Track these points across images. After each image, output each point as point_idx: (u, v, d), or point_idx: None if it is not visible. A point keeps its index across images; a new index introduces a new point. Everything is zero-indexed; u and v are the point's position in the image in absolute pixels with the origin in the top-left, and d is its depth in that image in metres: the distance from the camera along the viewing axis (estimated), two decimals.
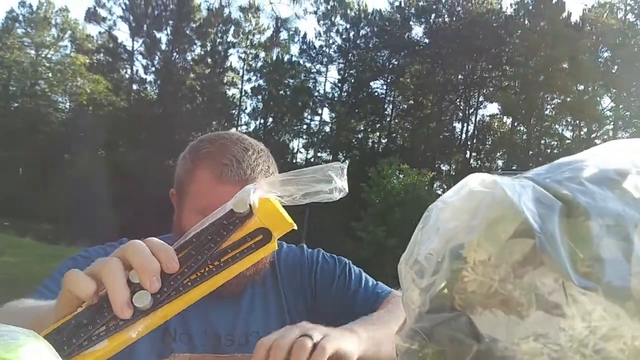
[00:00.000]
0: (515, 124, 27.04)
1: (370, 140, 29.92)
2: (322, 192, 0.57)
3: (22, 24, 31.56)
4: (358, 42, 29.43)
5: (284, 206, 0.58)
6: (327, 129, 29.81)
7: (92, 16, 29.86)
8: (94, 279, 0.52)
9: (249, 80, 30.31)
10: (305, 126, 29.90)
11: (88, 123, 26.27)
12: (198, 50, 30.27)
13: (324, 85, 29.68)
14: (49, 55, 31.73)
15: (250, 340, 1.00)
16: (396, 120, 30.02)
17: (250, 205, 0.55)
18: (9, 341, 0.37)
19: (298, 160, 29.86)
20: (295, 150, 30.30)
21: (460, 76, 28.30)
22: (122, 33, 32.67)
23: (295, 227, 0.58)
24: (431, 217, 0.49)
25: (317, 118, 29.50)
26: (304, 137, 29.96)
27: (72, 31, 32.07)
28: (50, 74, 31.19)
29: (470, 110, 28.54)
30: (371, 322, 0.90)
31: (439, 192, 25.10)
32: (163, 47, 30.20)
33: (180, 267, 0.52)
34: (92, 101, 29.54)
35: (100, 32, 31.11)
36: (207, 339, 1.00)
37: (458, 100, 28.74)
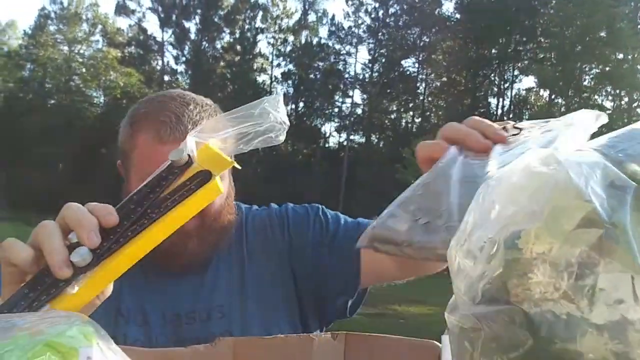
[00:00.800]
0: (553, 96, 26.32)
1: (404, 120, 29.64)
2: (261, 132, 0.55)
3: (54, 21, 32.18)
4: (388, 20, 29.07)
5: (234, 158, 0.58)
6: (359, 110, 29.65)
7: (121, 9, 30.25)
8: (33, 247, 0.51)
9: (279, 65, 30.35)
10: (336, 109, 29.77)
11: (122, 116, 26.64)
12: (227, 37, 30.43)
13: (355, 66, 29.45)
14: (81, 51, 32.34)
15: (213, 315, 0.93)
16: (429, 99, 29.62)
17: (189, 155, 0.55)
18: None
19: (330, 144, 29.83)
20: (327, 134, 30.28)
21: (493, 50, 27.66)
22: (152, 25, 32.98)
23: (237, 166, 0.59)
24: (485, 197, 0.44)
25: (348, 100, 29.33)
26: (336, 120, 29.87)
27: (102, 25, 32.56)
28: (83, 69, 31.78)
29: (506, 85, 27.93)
30: None
31: None
32: (192, 36, 30.46)
33: (120, 222, 0.51)
34: (126, 94, 29.99)
35: (130, 25, 31.59)
36: (165, 319, 0.92)
37: (492, 75, 28.15)
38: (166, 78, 31.10)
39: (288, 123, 0.56)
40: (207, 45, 30.26)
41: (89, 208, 0.51)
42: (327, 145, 29.63)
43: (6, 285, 0.52)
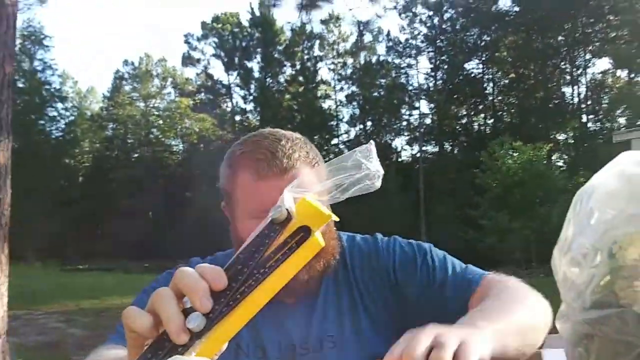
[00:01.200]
0: (632, 75, 24.86)
1: (476, 124, 28.93)
2: (356, 181, 0.56)
3: (129, 81, 34.25)
4: (444, 26, 28.71)
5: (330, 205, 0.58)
6: (428, 120, 29.24)
7: (187, 60, 31.80)
8: (150, 313, 0.53)
9: (342, 89, 30.60)
10: (404, 123, 29.53)
11: (201, 160, 27.77)
12: (289, 70, 31.13)
13: (417, 77, 29.23)
14: (156, 104, 34.16)
15: (325, 345, 0.95)
16: (499, 98, 28.76)
17: (287, 210, 0.56)
18: None
19: (403, 158, 29.57)
20: (399, 149, 30.05)
21: (560, 37, 26.56)
22: (217, 70, 34.36)
23: (335, 218, 0.58)
24: (582, 204, 0.45)
25: (415, 112, 29.03)
26: (406, 133, 29.60)
27: (172, 78, 34.29)
28: (160, 121, 33.49)
29: (578, 71, 26.68)
30: (491, 314, 0.78)
31: (560, 163, 23.70)
32: (256, 74, 31.40)
33: (228, 284, 0.53)
34: (202, 139, 31.32)
35: (197, 74, 33.06)
36: (282, 350, 0.96)
37: (563, 63, 26.98)
38: (237, 118, 32.19)
39: (382, 171, 0.57)
40: (271, 80, 31.11)
41: (199, 271, 0.53)
42: (399, 160, 29.40)
43: (130, 349, 0.55)
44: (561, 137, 26.71)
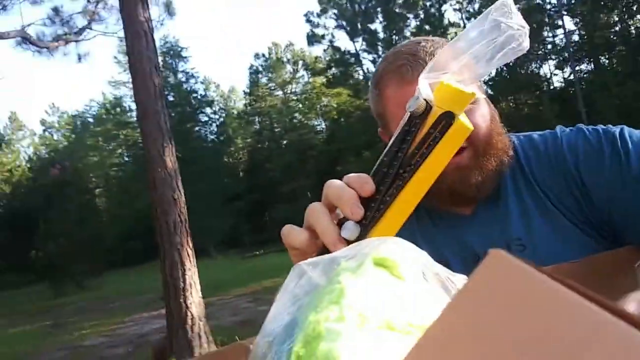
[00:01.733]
0: None
1: (633, 28, 25.68)
2: (500, 46, 0.49)
3: (263, 73, 35.73)
4: None
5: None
6: (576, 37, 26.58)
7: (312, 39, 32.20)
8: (307, 229, 0.54)
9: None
10: (549, 45, 27.17)
11: (345, 133, 28.20)
12: (413, 22, 30.14)
13: None
14: (293, 89, 35.27)
15: (513, 249, 0.87)
16: None
17: (425, 99, 0.51)
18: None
19: (556, 84, 27.33)
20: (549, 76, 27.78)
21: None
22: (343, 41, 34.40)
23: (480, 95, 0.52)
24: None
25: (559, 32, 26.53)
26: (553, 57, 27.24)
27: (302, 60, 35.11)
28: (300, 105, 34.58)
29: None
30: None
31: None
32: (381, 35, 30.86)
33: (376, 188, 0.51)
34: (341, 113, 31.78)
35: (324, 50, 33.36)
36: (466, 262, 0.89)
37: None
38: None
39: (527, 26, 0.50)
40: (397, 37, 30.44)
41: (346, 181, 0.53)
42: (552, 87, 27.20)
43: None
44: None
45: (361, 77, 32.28)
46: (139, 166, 24.63)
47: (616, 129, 0.85)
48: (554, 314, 0.16)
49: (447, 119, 0.51)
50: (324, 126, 35.31)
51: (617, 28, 25.90)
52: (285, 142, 34.35)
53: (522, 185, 0.92)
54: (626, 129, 0.85)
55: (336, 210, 0.54)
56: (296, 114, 34.74)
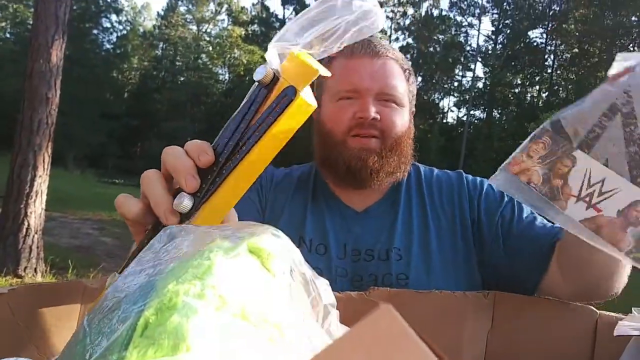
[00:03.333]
0: None
1: (529, 95, 27.97)
2: (351, 24, 0.48)
3: (184, 2, 34.03)
4: None
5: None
6: (480, 84, 28.38)
7: None
8: (143, 199, 0.51)
9: (397, 39, 29.78)
10: (456, 83, 28.75)
11: (245, 91, 27.74)
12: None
13: (477, 39, 28.21)
14: (208, 30, 33.98)
15: (391, 256, 0.93)
16: (558, 72, 27.63)
17: (274, 71, 0.49)
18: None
19: (449, 119, 28.98)
20: (445, 110, 29.41)
21: (634, 17, 25.10)
22: (274, 2, 33.65)
23: (326, 73, 0.48)
24: None
25: (469, 74, 28.18)
26: (455, 94, 28.87)
27: (228, 5, 33.91)
28: (210, 48, 33.42)
29: None
30: None
31: None
32: None
33: (216, 158, 0.48)
34: (249, 71, 31.13)
35: (253, 4, 32.58)
36: (346, 252, 0.94)
37: (631, 44, 25.60)
38: None
39: (379, 7, 0.50)
40: None
41: (186, 149, 0.50)
42: (445, 121, 28.83)
43: (134, 236, 0.53)
44: None
45: None
46: (21, 49, 22.35)
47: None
48: None
49: (290, 94, 0.48)
50: (227, 77, 34.44)
51: (517, 90, 28.04)
52: (182, 79, 33.04)
53: (415, 201, 1.00)
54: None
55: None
56: (203, 55, 33.49)
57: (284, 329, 0.37)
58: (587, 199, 0.49)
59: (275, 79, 0.49)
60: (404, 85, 0.97)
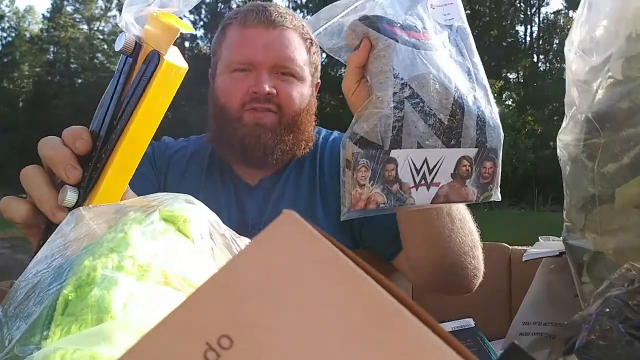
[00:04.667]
0: None
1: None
2: None
3: (70, 1, 32.19)
4: None
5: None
6: None
7: None
8: (27, 200, 0.47)
9: (304, 16, 29.73)
10: None
11: None
12: None
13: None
14: (100, 28, 32.42)
15: None
16: None
17: (135, 37, 0.46)
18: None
19: None
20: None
21: None
22: None
23: (189, 30, 0.46)
24: None
25: None
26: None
27: (118, 0, 32.42)
28: (105, 46, 31.88)
29: (532, 10, 26.81)
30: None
31: (509, 102, 24.13)
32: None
33: (94, 143, 0.46)
34: None
35: None
36: (237, 228, 0.90)
37: (517, 1, 27.02)
38: (187, 44, 30.97)
39: None
40: (222, 6, 29.89)
41: (63, 137, 0.47)
42: None
43: (30, 238, 0.50)
44: (512, 75, 27.08)
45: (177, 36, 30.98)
46: None
47: None
48: (333, 278, 0.17)
49: (154, 59, 0.45)
50: None
51: None
52: (80, 81, 31.41)
53: (306, 174, 0.97)
54: None
55: None
56: (99, 54, 31.96)
57: None
58: (423, 182, 0.52)
59: (138, 46, 0.46)
60: (304, 57, 0.92)
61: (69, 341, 0.28)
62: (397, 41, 0.53)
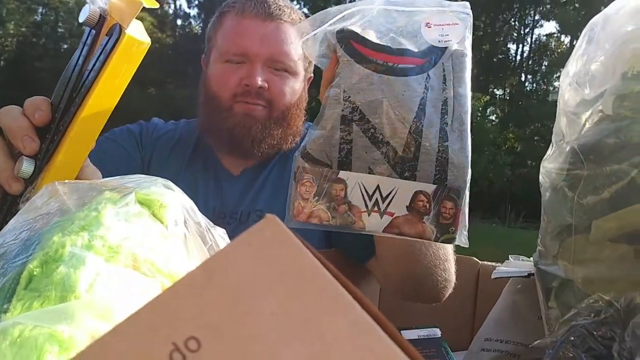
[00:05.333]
0: (574, 42, 25.53)
1: None
2: None
3: None
4: None
5: None
6: None
7: None
8: None
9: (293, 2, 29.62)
10: None
11: None
12: None
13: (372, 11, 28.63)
14: None
15: (251, 218, 0.91)
16: None
17: (100, 9, 0.46)
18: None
19: None
20: None
21: None
22: None
23: (147, 5, 0.45)
24: (597, 28, 0.42)
25: None
26: None
27: None
28: None
29: (526, 30, 27.14)
30: None
31: (492, 117, 24.42)
32: None
33: (52, 115, 0.45)
34: None
35: None
36: (214, 216, 0.91)
37: (513, 19, 27.33)
38: (179, 22, 30.60)
39: None
40: None
41: (24, 107, 0.47)
42: None
43: None
44: (499, 91, 27.38)
45: (170, 12, 30.65)
46: None
47: None
48: (310, 291, 0.17)
49: (115, 32, 0.44)
50: None
51: None
52: (66, 46, 30.83)
53: (290, 168, 0.95)
54: None
55: None
56: None
57: (178, 278, 0.37)
58: (376, 208, 0.50)
59: (102, 18, 0.46)
60: (299, 51, 0.91)
61: (29, 317, 0.28)
62: (356, 62, 0.51)
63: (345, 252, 0.89)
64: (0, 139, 0.47)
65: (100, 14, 0.45)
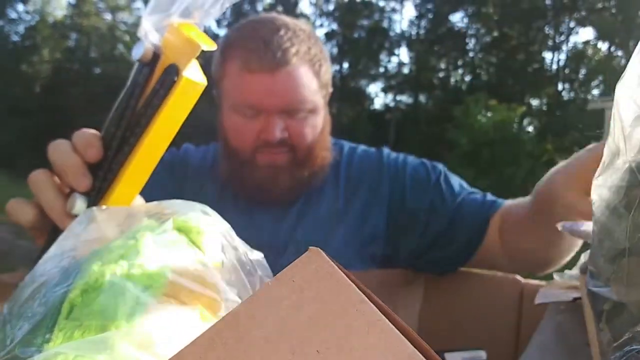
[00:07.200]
0: (612, 49, 24.99)
1: (453, 79, 28.82)
2: None
3: None
4: None
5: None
6: (406, 70, 28.96)
7: None
8: (35, 204, 0.47)
9: (322, 25, 29.82)
10: (382, 69, 29.18)
11: None
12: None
13: (400, 23, 28.79)
14: (124, 19, 32.72)
15: (289, 250, 0.88)
16: (480, 55, 28.58)
17: (154, 47, 0.45)
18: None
19: (376, 105, 29.44)
20: (373, 96, 29.85)
21: (548, 1, 26.36)
22: None
23: (206, 48, 0.43)
24: None
25: (394, 59, 28.69)
26: (382, 80, 29.31)
27: None
28: (127, 37, 32.17)
29: (561, 38, 26.66)
30: None
31: (529, 129, 24.00)
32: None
33: (105, 152, 0.45)
34: None
35: None
36: (250, 246, 0.88)
37: (547, 27, 26.90)
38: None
39: None
40: (248, 7, 30.08)
41: (73, 142, 0.46)
42: (372, 107, 29.25)
43: (36, 239, 0.50)
44: (535, 102, 26.93)
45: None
46: None
47: (441, 167, 0.95)
48: (356, 323, 0.16)
49: (172, 73, 0.43)
50: None
51: (441, 74, 28.84)
52: (98, 70, 31.68)
53: (329, 193, 0.93)
54: (447, 171, 0.95)
55: None
56: (120, 45, 32.26)
57: (216, 306, 0.36)
58: None
59: (156, 55, 0.45)
60: (314, 86, 0.86)
61: (70, 347, 0.28)
62: None
63: (435, 265, 0.89)
64: (50, 175, 0.47)
65: (154, 52, 0.45)
